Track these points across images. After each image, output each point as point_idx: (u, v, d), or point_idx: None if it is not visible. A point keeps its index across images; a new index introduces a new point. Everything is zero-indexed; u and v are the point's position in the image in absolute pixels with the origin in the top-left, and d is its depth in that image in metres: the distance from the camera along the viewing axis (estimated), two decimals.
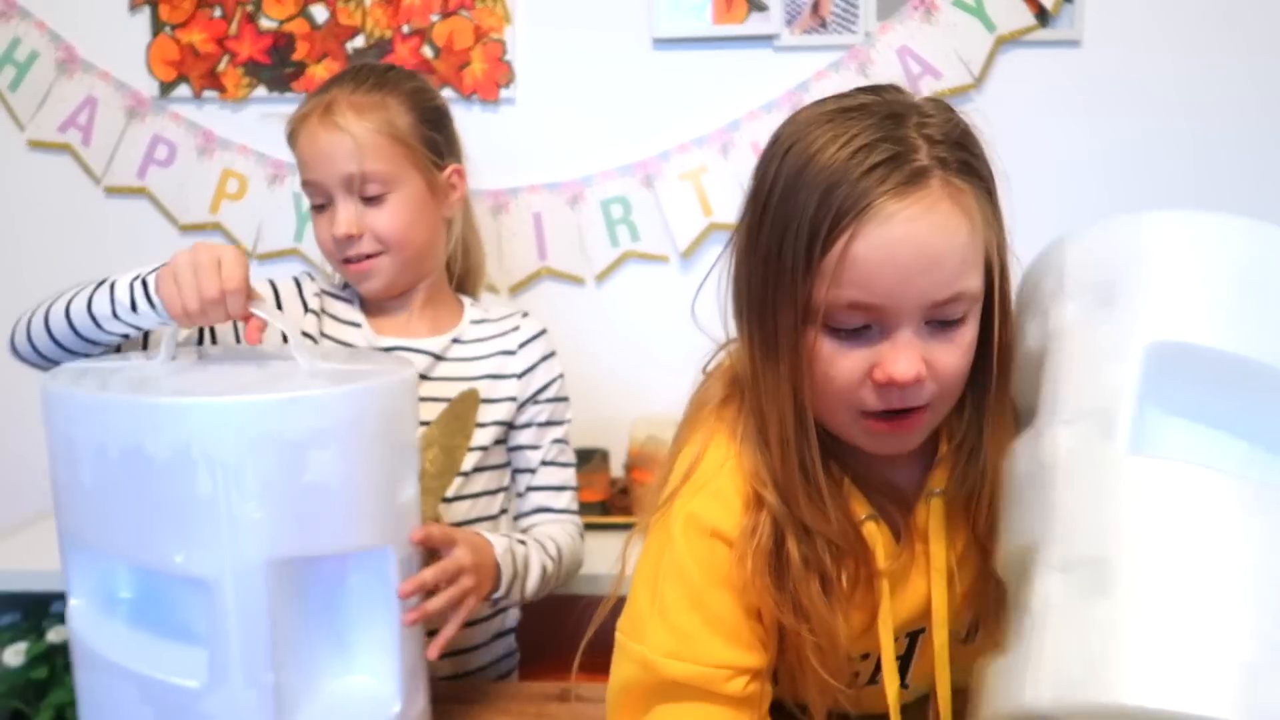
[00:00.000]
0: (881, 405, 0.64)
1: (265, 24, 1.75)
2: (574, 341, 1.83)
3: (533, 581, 0.97)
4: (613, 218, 1.79)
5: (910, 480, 0.73)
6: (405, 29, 1.75)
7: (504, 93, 1.76)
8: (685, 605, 0.68)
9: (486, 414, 1.05)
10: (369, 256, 1.02)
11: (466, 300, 1.15)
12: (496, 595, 0.91)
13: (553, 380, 1.11)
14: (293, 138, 1.04)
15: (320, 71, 1.75)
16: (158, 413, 0.67)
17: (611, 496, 1.65)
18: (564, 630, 1.81)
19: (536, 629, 1.80)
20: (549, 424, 1.10)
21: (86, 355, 0.92)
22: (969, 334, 0.65)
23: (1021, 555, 0.58)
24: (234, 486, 0.65)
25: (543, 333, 1.14)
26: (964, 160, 0.64)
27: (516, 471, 1.11)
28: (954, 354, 0.64)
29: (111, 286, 0.86)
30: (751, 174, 0.68)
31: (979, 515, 0.70)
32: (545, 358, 1.12)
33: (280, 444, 0.66)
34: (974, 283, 0.64)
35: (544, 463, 1.09)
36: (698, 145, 1.76)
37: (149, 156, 1.78)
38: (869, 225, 0.60)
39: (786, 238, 0.62)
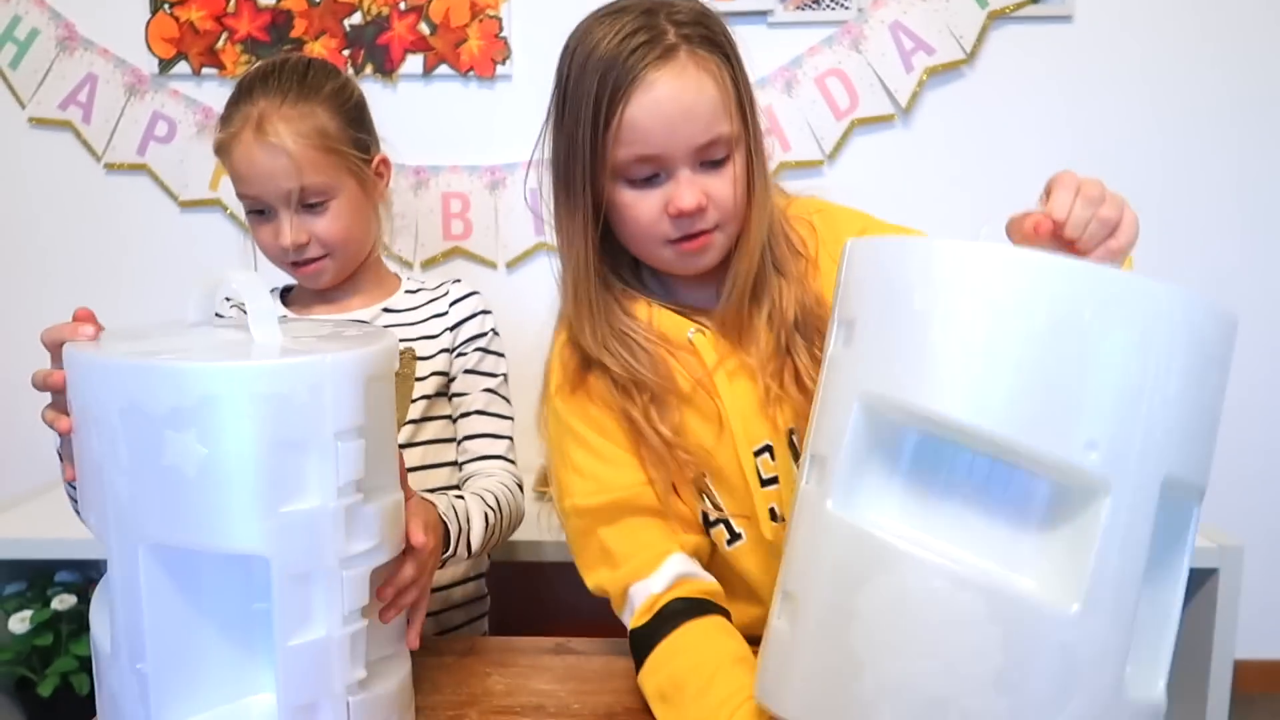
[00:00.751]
0: (679, 233, 0.81)
1: (263, 1, 1.77)
2: None
3: (477, 534, 0.97)
4: None
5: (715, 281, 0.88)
6: (402, 5, 1.76)
7: (500, 69, 1.78)
8: (582, 453, 0.86)
9: (424, 368, 1.10)
10: (316, 259, 1.06)
11: (404, 275, 1.19)
12: (445, 555, 0.92)
13: (484, 332, 1.14)
14: (223, 152, 1.04)
15: (318, 48, 1.77)
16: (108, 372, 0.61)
17: None
18: (535, 595, 1.83)
19: (510, 593, 1.83)
20: (480, 373, 1.12)
21: None
22: (736, 169, 0.81)
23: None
24: (109, 457, 0.61)
25: (474, 293, 1.16)
26: (704, 35, 0.79)
27: (456, 422, 1.14)
28: (725, 184, 0.81)
29: None
30: (553, 77, 0.85)
31: (771, 320, 0.85)
32: (476, 313, 1.14)
33: (145, 418, 0.59)
34: (726, 128, 0.79)
35: (477, 411, 1.12)
36: None
37: (149, 133, 1.80)
38: (637, 92, 0.76)
39: (581, 115, 0.78)
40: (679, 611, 0.80)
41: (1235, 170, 1.80)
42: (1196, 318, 0.57)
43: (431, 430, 1.12)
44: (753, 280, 0.85)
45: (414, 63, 1.78)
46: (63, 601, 1.61)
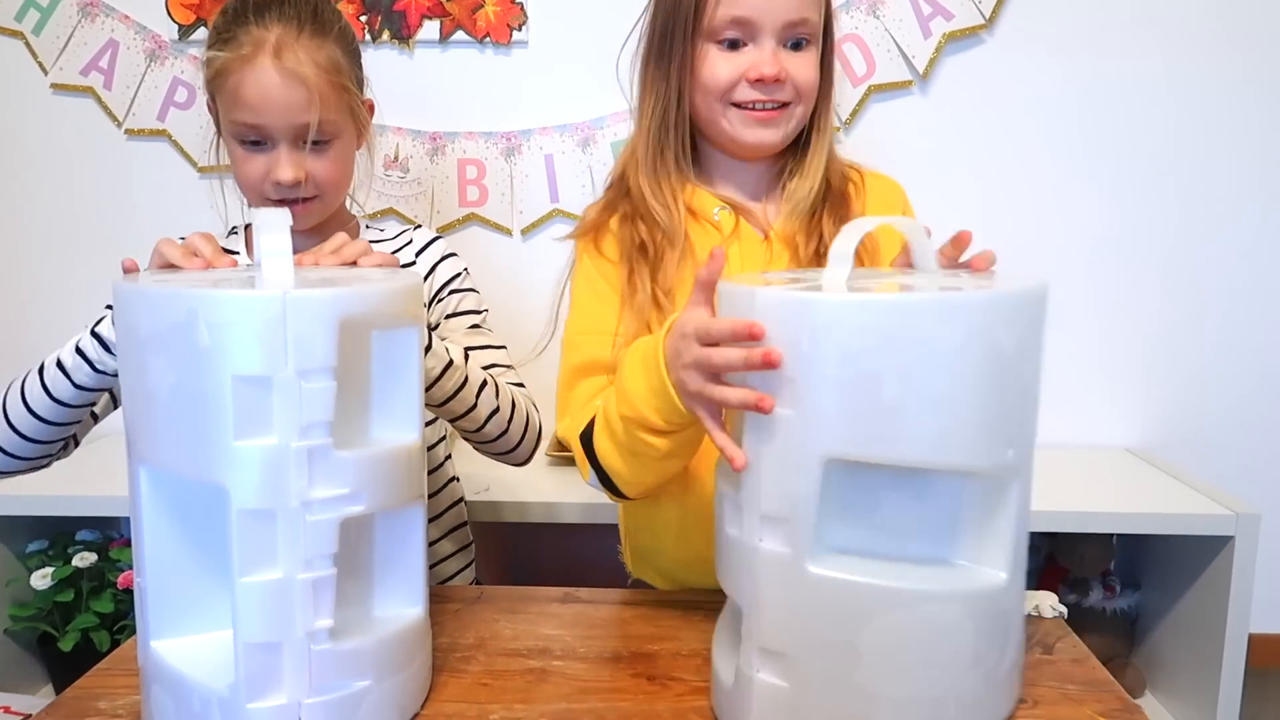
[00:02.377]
0: (753, 97, 0.89)
1: None
2: None
3: (475, 379, 0.94)
4: None
5: (760, 188, 0.97)
6: None
7: (516, 35, 1.78)
8: (587, 292, 0.95)
9: None
10: (307, 199, 1.02)
11: (363, 224, 1.14)
12: (431, 366, 0.89)
13: (456, 275, 1.11)
14: (225, 75, 0.97)
15: None
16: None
17: None
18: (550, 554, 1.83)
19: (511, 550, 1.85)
20: (462, 313, 1.09)
21: (49, 449, 0.94)
22: (812, 57, 0.90)
23: (734, 607, 0.71)
24: (122, 377, 0.67)
25: (437, 239, 1.13)
26: None
27: None
28: (804, 66, 0.89)
29: (59, 362, 0.88)
30: None
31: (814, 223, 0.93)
32: (444, 258, 1.11)
33: (134, 341, 0.63)
34: (814, 16, 0.89)
35: (469, 349, 1.07)
36: None
37: (169, 99, 1.81)
38: None
39: None
40: None
41: (1257, 134, 1.78)
42: (1007, 313, 0.61)
43: None
44: (809, 207, 0.92)
45: (430, 29, 1.78)
46: (83, 559, 1.63)
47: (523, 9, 1.77)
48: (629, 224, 0.93)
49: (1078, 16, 1.75)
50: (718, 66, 0.89)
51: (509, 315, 1.82)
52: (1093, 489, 1.63)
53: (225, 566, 0.61)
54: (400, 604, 0.72)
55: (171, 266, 0.77)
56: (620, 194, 0.96)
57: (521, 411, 1.02)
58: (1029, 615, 0.92)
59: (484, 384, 0.97)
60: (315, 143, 0.99)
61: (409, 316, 0.69)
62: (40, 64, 1.82)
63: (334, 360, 0.61)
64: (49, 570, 1.63)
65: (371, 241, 1.10)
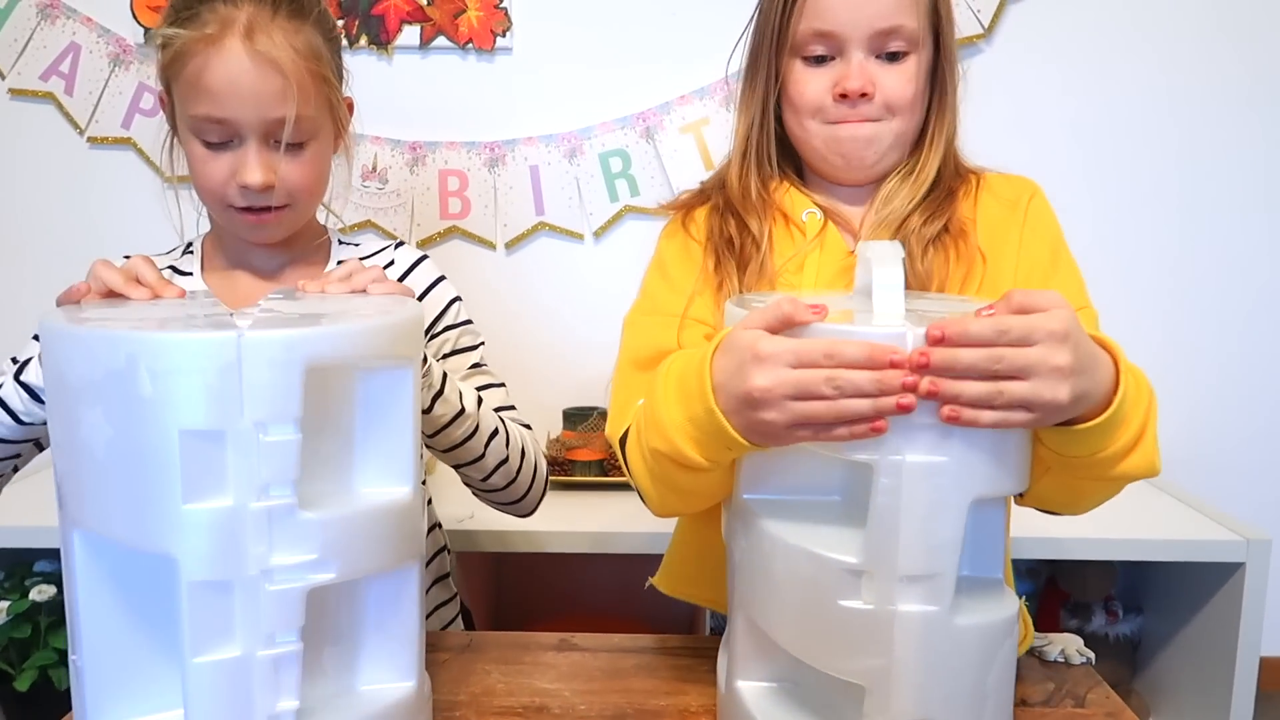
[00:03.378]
0: (840, 115, 0.82)
1: None
2: (572, 297, 1.79)
3: (485, 426, 0.87)
4: (612, 171, 1.74)
5: (860, 194, 0.90)
6: None
7: (500, 42, 1.71)
8: (658, 277, 0.90)
9: None
10: (276, 208, 0.88)
11: (336, 238, 1.01)
12: (441, 414, 0.82)
13: (450, 303, 0.99)
14: (184, 59, 0.83)
15: None
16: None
17: (609, 456, 1.61)
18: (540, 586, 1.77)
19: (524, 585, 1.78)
20: (461, 350, 0.99)
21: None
22: (911, 68, 0.82)
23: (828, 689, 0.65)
24: (51, 428, 0.60)
25: (424, 258, 1.01)
26: None
27: None
28: (898, 79, 0.82)
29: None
30: None
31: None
32: (434, 284, 0.99)
33: (65, 389, 0.57)
34: (911, 23, 0.81)
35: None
36: (699, 96, 1.72)
37: (134, 106, 1.73)
38: None
39: None
40: None
41: (1259, 141, 1.74)
42: None
43: None
44: (899, 220, 0.84)
45: (410, 34, 1.71)
46: (41, 592, 1.54)
47: (507, 14, 1.71)
48: (718, 215, 0.88)
49: (1076, 27, 1.71)
50: (803, 83, 0.83)
51: (492, 332, 1.75)
52: (1100, 515, 1.55)
53: (175, 643, 0.54)
54: (390, 676, 0.65)
55: (113, 294, 0.69)
56: (715, 187, 0.91)
57: (530, 461, 0.94)
58: (1055, 661, 0.87)
59: (495, 432, 0.88)
60: (290, 144, 0.86)
61: (400, 356, 0.61)
62: None
63: (297, 410, 0.54)
64: (4, 605, 1.54)
65: (341, 262, 0.98)
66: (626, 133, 1.73)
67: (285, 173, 0.87)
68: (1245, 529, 1.47)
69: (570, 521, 1.47)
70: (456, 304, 1.01)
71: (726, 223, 0.87)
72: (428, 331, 0.98)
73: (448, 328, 0.99)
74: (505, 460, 0.90)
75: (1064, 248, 0.86)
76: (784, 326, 0.59)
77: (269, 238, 0.93)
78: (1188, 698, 1.60)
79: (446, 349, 0.98)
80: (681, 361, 0.67)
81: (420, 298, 0.98)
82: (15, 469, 0.88)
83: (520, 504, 0.96)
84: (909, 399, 0.54)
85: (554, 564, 1.52)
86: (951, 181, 0.87)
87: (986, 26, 1.69)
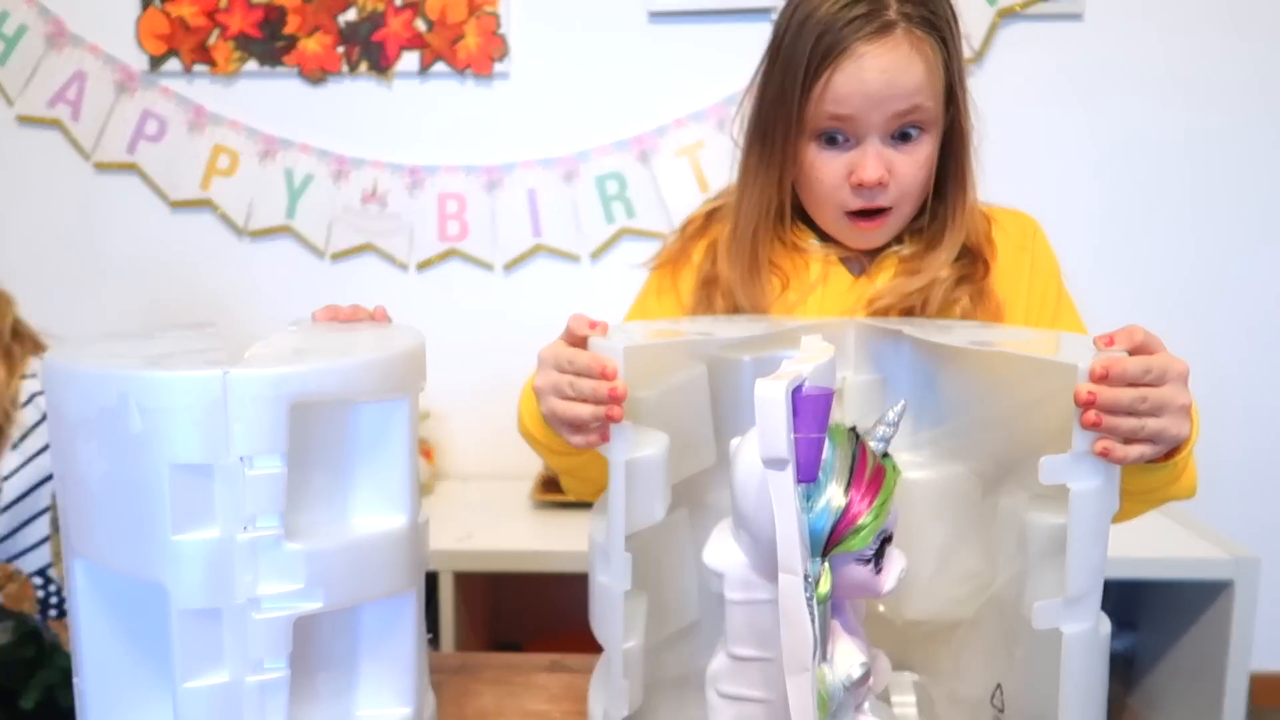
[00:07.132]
0: (857, 204, 0.83)
1: None
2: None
3: None
4: (608, 194, 1.77)
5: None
6: (398, 2, 1.73)
7: (498, 67, 1.74)
8: (638, 313, 0.93)
9: None
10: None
11: None
12: None
13: None
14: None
15: (312, 45, 1.73)
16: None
17: None
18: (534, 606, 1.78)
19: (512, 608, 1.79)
20: None
21: None
22: (925, 150, 0.82)
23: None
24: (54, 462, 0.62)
25: None
26: (925, 16, 0.80)
27: None
28: (912, 164, 0.82)
29: None
30: (771, 30, 0.86)
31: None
32: None
33: (63, 423, 0.58)
34: (929, 103, 0.81)
35: None
36: (695, 120, 1.74)
37: (139, 132, 1.77)
38: (846, 62, 0.79)
39: (789, 72, 0.81)
40: None
41: (1250, 169, 1.76)
42: None
43: None
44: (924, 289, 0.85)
45: (410, 60, 1.74)
46: None
47: (504, 40, 1.74)
48: (706, 290, 0.88)
49: (1067, 50, 1.74)
50: (819, 168, 0.83)
51: (490, 351, 1.79)
52: None
53: (168, 669, 0.56)
54: (387, 701, 0.66)
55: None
56: (714, 223, 0.92)
57: None
58: None
59: None
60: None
61: (393, 390, 0.63)
62: (5, 95, 1.78)
63: (283, 444, 0.56)
64: (9, 624, 1.56)
65: None
66: (622, 156, 1.76)
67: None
68: (1233, 547, 1.48)
69: (567, 541, 1.49)
70: None
71: (714, 303, 0.88)
72: None
73: None
74: None
75: (1063, 282, 0.92)
76: (572, 338, 0.69)
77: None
78: (1180, 713, 1.61)
79: None
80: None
81: None
82: None
83: None
84: (616, 410, 0.63)
85: (551, 584, 1.53)
86: (975, 240, 0.87)
87: (977, 51, 1.72)
